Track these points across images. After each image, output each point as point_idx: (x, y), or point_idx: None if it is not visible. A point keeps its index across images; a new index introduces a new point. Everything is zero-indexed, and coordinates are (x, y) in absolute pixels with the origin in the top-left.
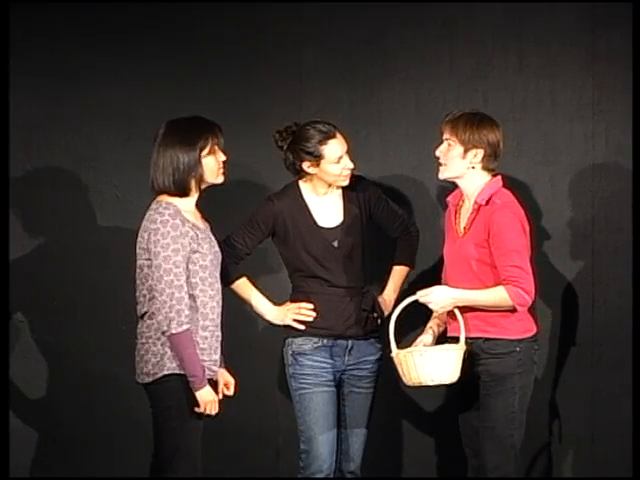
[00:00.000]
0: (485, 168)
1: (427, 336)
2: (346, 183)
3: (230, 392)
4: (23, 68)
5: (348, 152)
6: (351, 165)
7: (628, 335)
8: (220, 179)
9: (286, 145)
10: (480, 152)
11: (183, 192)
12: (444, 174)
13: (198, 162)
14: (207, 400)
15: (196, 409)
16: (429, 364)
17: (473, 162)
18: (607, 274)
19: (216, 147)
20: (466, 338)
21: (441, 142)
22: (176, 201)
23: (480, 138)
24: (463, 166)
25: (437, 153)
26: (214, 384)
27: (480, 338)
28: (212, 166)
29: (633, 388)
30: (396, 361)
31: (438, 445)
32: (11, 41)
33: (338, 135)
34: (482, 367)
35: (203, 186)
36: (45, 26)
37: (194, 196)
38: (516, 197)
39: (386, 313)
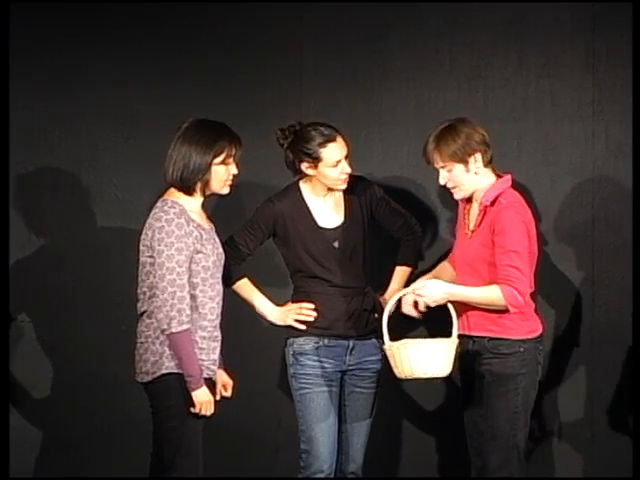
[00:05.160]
0: (486, 165)
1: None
2: (343, 187)
3: (228, 393)
4: (23, 68)
5: (348, 157)
6: (349, 170)
7: (628, 335)
8: (225, 190)
9: (287, 144)
10: (477, 155)
11: (187, 190)
12: (460, 194)
13: (208, 167)
14: (203, 401)
15: (192, 409)
16: (422, 357)
17: (476, 168)
18: (607, 274)
19: (230, 158)
20: (471, 337)
21: (437, 170)
22: (182, 200)
23: (469, 144)
24: (471, 177)
25: (441, 182)
26: (212, 384)
27: (485, 337)
28: (221, 175)
29: (633, 388)
30: (389, 353)
31: (438, 445)
32: (11, 41)
33: (339, 139)
34: (486, 367)
35: (207, 192)
36: (45, 26)
37: (199, 198)
38: (524, 198)
39: None
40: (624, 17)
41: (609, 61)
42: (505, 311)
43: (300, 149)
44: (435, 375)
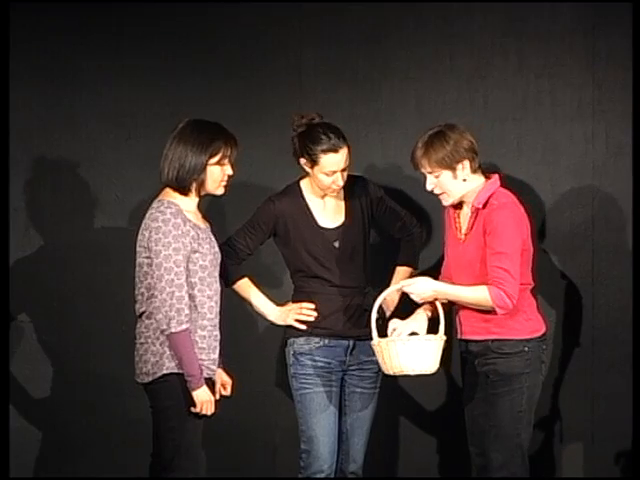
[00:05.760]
0: (475, 172)
1: (421, 316)
2: (334, 195)
3: (227, 392)
4: (23, 68)
5: (345, 170)
6: (341, 183)
7: (628, 335)
8: (220, 191)
9: (297, 132)
10: (465, 163)
11: (183, 190)
12: (448, 201)
13: (203, 167)
14: (203, 400)
15: (192, 409)
16: (411, 354)
17: (464, 175)
18: (607, 274)
19: (226, 159)
20: (475, 340)
21: (424, 176)
22: (178, 200)
23: (457, 150)
24: (459, 184)
25: (428, 188)
26: (212, 384)
27: (488, 339)
28: (216, 176)
29: (633, 388)
30: (377, 349)
31: (438, 445)
32: (11, 41)
33: (342, 151)
34: (490, 366)
35: (202, 193)
36: (45, 26)
37: (194, 198)
38: (516, 196)
39: (388, 314)
40: (624, 17)
41: (609, 61)
42: (514, 311)
43: (305, 145)
44: (423, 372)
